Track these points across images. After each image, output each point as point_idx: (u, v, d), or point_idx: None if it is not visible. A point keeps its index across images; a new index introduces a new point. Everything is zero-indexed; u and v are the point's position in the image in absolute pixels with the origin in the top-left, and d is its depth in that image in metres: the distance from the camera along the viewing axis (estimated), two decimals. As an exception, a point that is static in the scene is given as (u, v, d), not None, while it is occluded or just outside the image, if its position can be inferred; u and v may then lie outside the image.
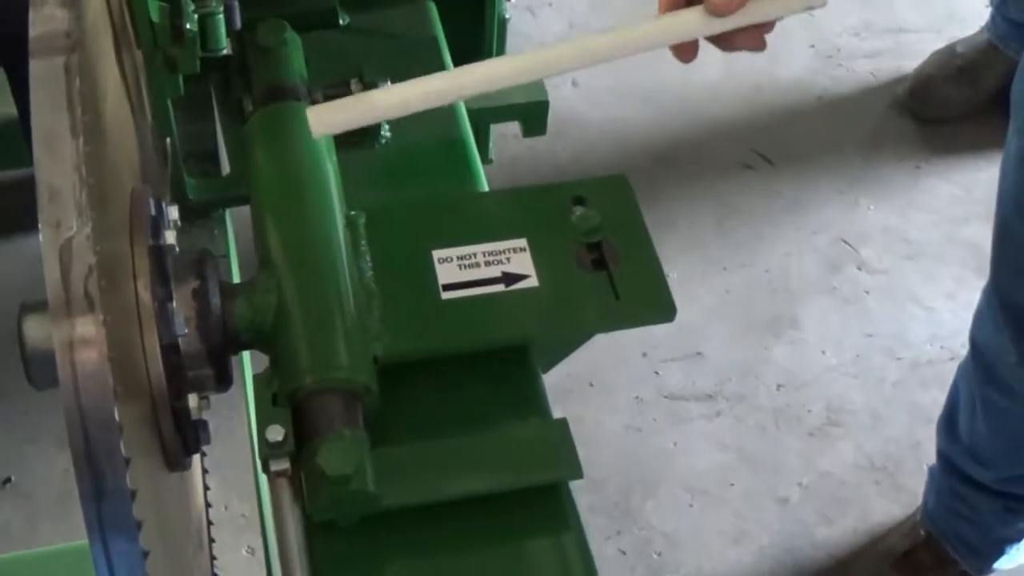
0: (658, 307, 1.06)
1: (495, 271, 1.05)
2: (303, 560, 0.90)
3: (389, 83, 1.11)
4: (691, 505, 1.97)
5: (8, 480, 1.95)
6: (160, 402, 0.80)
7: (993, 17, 2.46)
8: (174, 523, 0.88)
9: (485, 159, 1.51)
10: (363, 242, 1.06)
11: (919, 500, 1.90)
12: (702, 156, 2.44)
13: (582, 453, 0.99)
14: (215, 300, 0.91)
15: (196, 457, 0.99)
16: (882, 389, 2.12)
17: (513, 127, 1.61)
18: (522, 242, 1.07)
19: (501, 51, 1.60)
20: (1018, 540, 1.81)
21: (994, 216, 1.56)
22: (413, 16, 1.43)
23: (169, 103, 1.15)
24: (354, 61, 1.25)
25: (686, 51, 0.91)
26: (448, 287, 1.04)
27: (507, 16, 1.58)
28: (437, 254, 1.06)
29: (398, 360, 1.00)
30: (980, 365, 1.65)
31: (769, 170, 2.42)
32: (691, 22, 0.88)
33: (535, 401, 1.05)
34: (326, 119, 0.90)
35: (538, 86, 1.55)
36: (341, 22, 1.38)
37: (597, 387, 2.10)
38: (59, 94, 0.68)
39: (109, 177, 0.76)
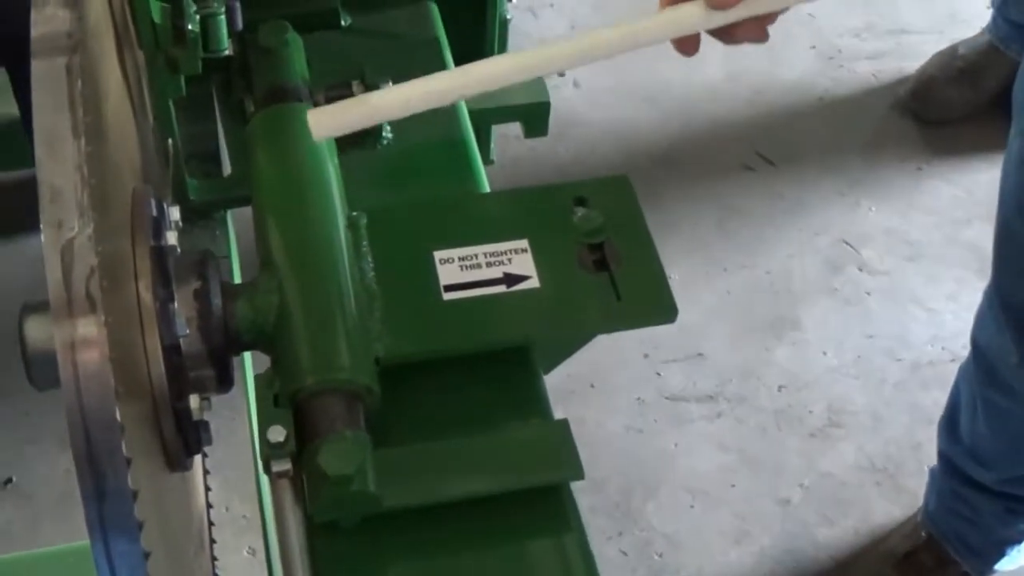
0: (660, 308, 1.05)
1: (496, 272, 1.05)
2: (304, 561, 0.89)
3: (390, 84, 1.11)
4: (692, 506, 1.97)
5: (9, 480, 1.95)
6: (161, 403, 0.79)
7: (994, 18, 2.46)
8: (175, 524, 0.88)
9: (486, 160, 1.51)
10: (364, 243, 1.06)
11: (920, 501, 1.90)
12: (704, 157, 2.44)
13: (583, 454, 0.98)
14: (216, 301, 0.91)
15: (197, 458, 0.99)
16: (883, 390, 2.12)
17: (514, 128, 1.61)
18: (523, 243, 1.07)
19: (503, 52, 1.60)
20: (1019, 541, 1.81)
21: (995, 217, 1.56)
22: (415, 17, 1.43)
23: (171, 104, 1.15)
24: (356, 62, 1.25)
25: (688, 45, 0.91)
26: (449, 288, 1.04)
27: (509, 17, 1.57)
28: (438, 255, 1.06)
29: (400, 361, 1.00)
30: (981, 366, 1.65)
31: (770, 171, 2.42)
32: (692, 16, 0.88)
33: (536, 402, 1.05)
34: (326, 123, 0.90)
35: (539, 87, 1.55)
36: (343, 23, 1.38)
37: (598, 388, 2.09)
38: (61, 94, 0.68)
39: (111, 178, 0.76)
